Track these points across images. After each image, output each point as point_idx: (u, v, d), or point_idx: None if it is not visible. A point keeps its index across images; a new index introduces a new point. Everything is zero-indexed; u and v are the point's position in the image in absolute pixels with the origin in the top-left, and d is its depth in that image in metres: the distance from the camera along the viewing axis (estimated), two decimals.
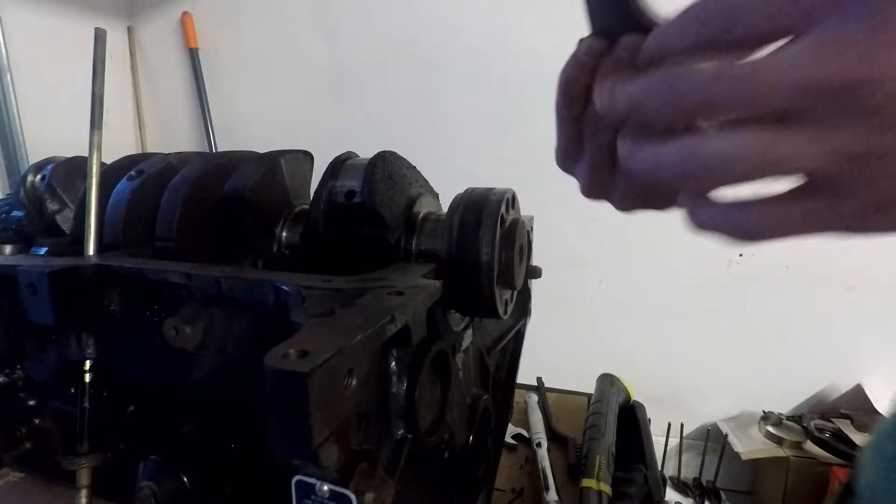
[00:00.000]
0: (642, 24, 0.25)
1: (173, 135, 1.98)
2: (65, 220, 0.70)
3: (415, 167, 0.63)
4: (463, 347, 0.58)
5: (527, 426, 0.98)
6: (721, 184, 0.22)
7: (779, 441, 1.44)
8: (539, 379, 1.12)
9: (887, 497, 0.40)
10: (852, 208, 0.21)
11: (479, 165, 1.60)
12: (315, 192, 0.59)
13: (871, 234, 0.22)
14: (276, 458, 0.29)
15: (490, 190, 0.56)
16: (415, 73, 1.65)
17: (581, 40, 0.27)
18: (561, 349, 1.50)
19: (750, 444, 1.46)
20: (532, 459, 0.90)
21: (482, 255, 0.51)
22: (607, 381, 1.01)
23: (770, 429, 1.47)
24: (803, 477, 1.36)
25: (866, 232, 0.22)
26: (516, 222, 0.55)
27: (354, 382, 0.31)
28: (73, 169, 0.72)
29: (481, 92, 1.56)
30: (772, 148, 0.20)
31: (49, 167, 0.74)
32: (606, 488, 0.73)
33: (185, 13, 1.82)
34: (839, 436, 1.40)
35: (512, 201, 0.57)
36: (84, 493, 0.53)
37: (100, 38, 0.66)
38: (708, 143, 0.21)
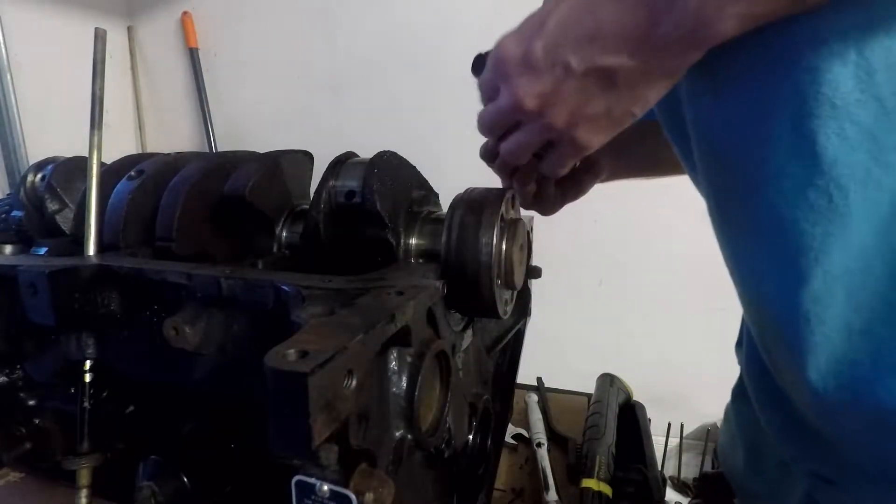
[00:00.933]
0: None
1: (173, 135, 1.97)
2: (65, 220, 0.70)
3: (415, 167, 0.63)
4: (463, 347, 0.58)
5: (527, 426, 0.98)
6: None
7: None
8: (539, 379, 1.12)
9: (729, 447, 0.58)
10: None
11: (479, 165, 1.59)
12: (315, 192, 0.59)
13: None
14: (276, 458, 0.29)
15: (490, 190, 0.56)
16: (415, 73, 1.65)
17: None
18: (561, 349, 1.50)
19: None
20: (532, 459, 0.90)
21: (482, 255, 0.51)
22: (607, 381, 1.01)
23: None
24: None
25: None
26: (516, 222, 0.55)
27: (354, 382, 0.31)
28: (73, 169, 0.72)
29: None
30: (510, 143, 0.43)
31: (49, 167, 0.74)
32: (606, 488, 0.73)
33: (185, 13, 1.82)
34: None
35: (512, 201, 0.57)
36: (84, 493, 0.53)
37: (100, 38, 0.66)
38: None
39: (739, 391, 0.56)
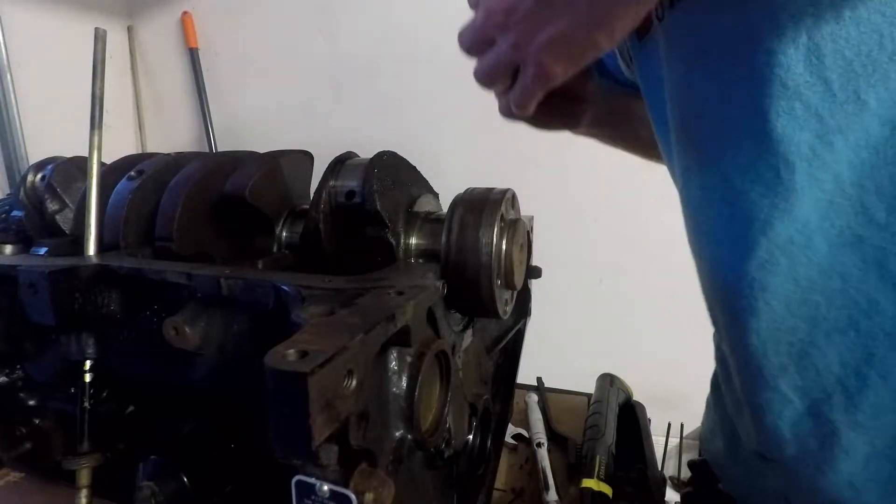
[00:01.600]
0: None
1: (173, 135, 1.97)
2: (65, 220, 0.70)
3: (415, 167, 0.63)
4: (463, 347, 0.58)
5: (527, 426, 0.98)
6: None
7: None
8: (539, 379, 1.12)
9: (710, 435, 0.59)
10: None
11: (478, 166, 1.60)
12: (315, 192, 0.59)
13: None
14: (276, 458, 0.29)
15: (490, 190, 0.56)
16: (414, 73, 1.65)
17: None
18: (561, 349, 1.49)
19: None
20: (532, 459, 0.90)
21: (482, 255, 0.51)
22: (607, 381, 1.01)
23: None
24: None
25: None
26: (516, 222, 0.55)
27: (354, 382, 0.31)
28: (73, 169, 0.72)
29: (481, 91, 1.54)
30: (483, 62, 0.43)
31: (49, 167, 0.74)
32: (606, 488, 0.73)
33: (185, 13, 1.82)
34: None
35: (512, 201, 0.57)
36: (84, 493, 0.53)
37: (100, 38, 0.66)
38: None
39: (716, 381, 0.58)
